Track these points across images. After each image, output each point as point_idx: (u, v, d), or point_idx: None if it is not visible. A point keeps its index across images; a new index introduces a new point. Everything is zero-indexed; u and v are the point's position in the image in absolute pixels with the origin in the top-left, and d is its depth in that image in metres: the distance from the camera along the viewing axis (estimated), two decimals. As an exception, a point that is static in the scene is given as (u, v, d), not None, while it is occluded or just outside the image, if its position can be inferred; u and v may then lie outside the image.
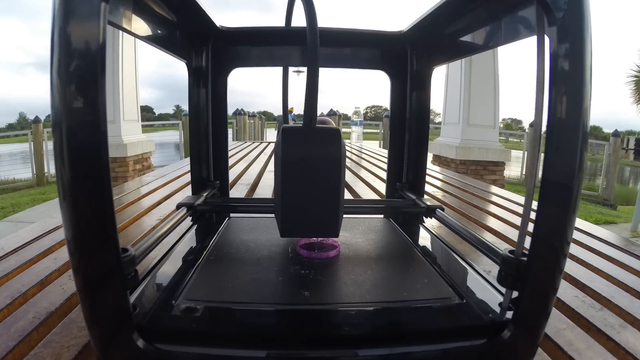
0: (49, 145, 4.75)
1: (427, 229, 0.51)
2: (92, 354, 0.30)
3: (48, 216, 0.69)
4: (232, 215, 0.53)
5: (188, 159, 0.57)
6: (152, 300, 0.30)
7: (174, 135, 6.39)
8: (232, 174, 1.34)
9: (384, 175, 1.31)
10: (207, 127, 0.53)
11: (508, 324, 0.28)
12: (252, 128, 7.68)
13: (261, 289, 0.32)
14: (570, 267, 0.53)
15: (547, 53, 0.24)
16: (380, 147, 5.41)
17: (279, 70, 0.52)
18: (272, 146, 2.66)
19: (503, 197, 1.06)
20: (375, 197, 1.01)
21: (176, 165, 1.57)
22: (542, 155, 0.26)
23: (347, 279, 0.34)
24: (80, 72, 0.20)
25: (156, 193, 0.97)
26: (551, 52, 0.24)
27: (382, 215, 0.56)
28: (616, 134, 5.12)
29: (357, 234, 0.46)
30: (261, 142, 3.18)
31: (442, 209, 0.47)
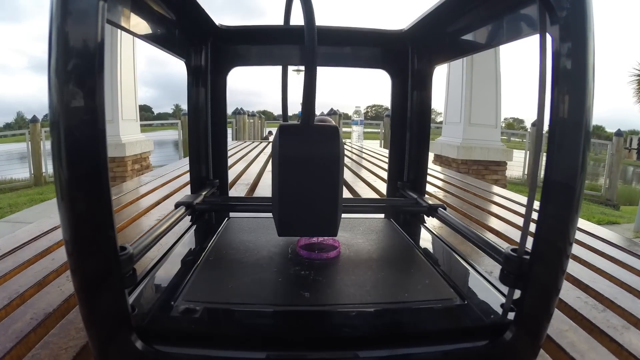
0: (46, 145, 4.74)
1: (428, 229, 0.51)
2: (91, 355, 0.30)
3: (46, 216, 0.69)
4: (231, 215, 0.53)
5: (187, 158, 0.57)
6: (151, 301, 0.30)
7: (173, 135, 6.40)
8: (232, 173, 1.34)
9: (384, 175, 1.31)
10: (206, 126, 0.53)
11: (510, 325, 0.28)
12: (251, 127, 7.68)
13: (261, 290, 0.32)
14: (572, 267, 0.53)
15: (550, 52, 0.24)
16: (381, 146, 5.41)
17: (279, 69, 0.52)
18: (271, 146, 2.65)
19: (505, 197, 1.05)
20: (376, 196, 1.01)
21: (175, 165, 1.56)
22: (544, 155, 0.26)
23: (347, 279, 0.34)
24: (79, 71, 0.20)
25: (155, 193, 0.97)
26: (553, 50, 0.24)
27: (382, 215, 0.56)
28: (619, 133, 5.10)
29: (358, 234, 0.46)
30: (261, 142, 3.18)
31: (444, 208, 0.47)
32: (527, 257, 0.26)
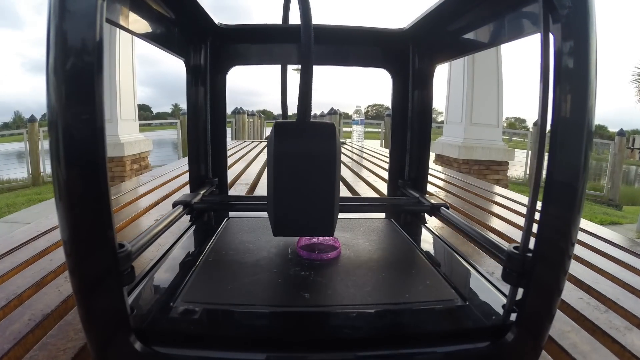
0: (44, 145, 4.72)
1: (429, 229, 0.50)
2: (89, 357, 0.30)
3: (44, 217, 0.68)
4: (231, 215, 0.52)
5: (186, 158, 0.57)
6: (150, 302, 0.30)
7: (172, 135, 6.38)
8: (231, 173, 1.34)
9: (385, 175, 1.30)
10: (205, 125, 0.53)
11: (512, 326, 0.27)
12: (251, 127, 7.66)
13: (260, 291, 0.32)
14: (574, 268, 0.53)
15: (552, 51, 0.24)
16: (381, 146, 5.40)
17: (278, 68, 0.51)
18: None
19: (506, 198, 1.05)
20: (377, 196, 1.01)
21: (174, 165, 1.56)
22: (546, 155, 0.26)
23: (347, 280, 0.34)
24: (77, 70, 0.20)
25: (154, 193, 0.97)
26: (555, 49, 0.23)
27: (383, 215, 0.56)
28: (622, 133, 5.08)
29: (358, 234, 0.46)
30: (260, 142, 3.17)
31: (447, 207, 0.47)
32: (530, 254, 0.26)
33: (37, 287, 0.42)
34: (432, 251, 0.44)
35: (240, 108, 7.02)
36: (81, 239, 0.22)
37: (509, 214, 0.86)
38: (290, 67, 0.52)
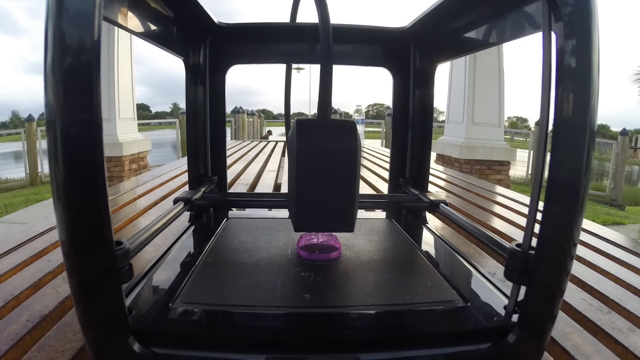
0: (42, 144, 4.69)
1: (430, 229, 0.50)
2: (87, 358, 0.30)
3: (42, 217, 0.68)
4: (230, 215, 0.52)
5: (185, 158, 0.57)
6: (149, 303, 0.30)
7: (171, 134, 6.37)
8: (231, 173, 1.34)
9: (386, 175, 1.30)
10: (204, 123, 0.53)
11: (513, 327, 0.27)
12: (250, 126, 7.65)
13: (260, 292, 0.32)
14: (577, 269, 0.52)
15: (554, 50, 0.23)
16: (382, 146, 5.39)
17: (278, 66, 0.51)
18: (271, 145, 2.64)
19: (508, 198, 1.05)
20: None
21: (173, 164, 1.55)
22: (548, 155, 0.25)
23: (348, 281, 0.34)
24: (75, 69, 0.20)
25: (153, 193, 0.97)
26: (557, 48, 0.23)
27: (384, 215, 0.56)
28: (624, 132, 5.05)
29: (359, 235, 0.45)
30: (260, 141, 3.17)
31: (446, 204, 0.46)
32: (532, 252, 0.26)
33: (35, 288, 0.42)
34: (433, 252, 0.44)
35: (240, 107, 7.01)
36: (79, 239, 0.22)
37: (511, 214, 0.85)
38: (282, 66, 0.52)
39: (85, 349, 0.25)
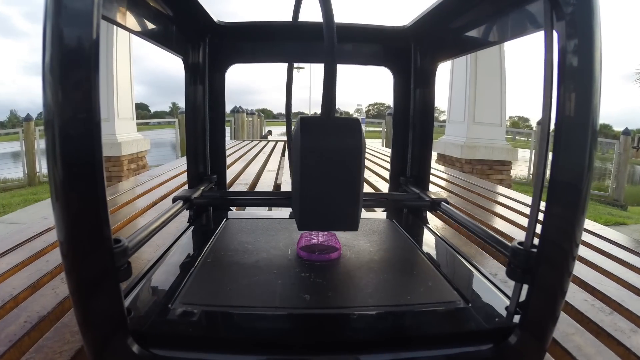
0: (41, 144, 4.65)
1: (430, 229, 0.50)
2: (86, 359, 0.30)
3: (40, 217, 0.68)
4: (230, 215, 0.52)
5: (185, 157, 0.56)
6: (148, 303, 0.30)
7: (170, 134, 6.34)
8: (230, 173, 1.34)
9: (387, 175, 1.30)
10: (204, 122, 0.53)
11: (515, 328, 0.27)
12: (250, 126, 7.63)
13: (260, 293, 0.31)
14: (579, 269, 0.52)
15: (556, 49, 0.23)
16: (382, 145, 5.38)
17: (278, 66, 0.51)
18: (271, 145, 2.64)
19: (510, 198, 1.04)
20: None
21: (172, 164, 1.55)
22: (550, 154, 0.25)
23: (348, 282, 0.34)
24: (74, 69, 0.20)
25: (152, 193, 0.97)
26: (559, 47, 0.23)
27: (385, 215, 0.55)
28: (627, 132, 5.03)
29: (359, 235, 0.45)
30: (260, 141, 3.16)
31: (448, 203, 0.46)
32: (534, 250, 0.26)
33: (33, 288, 0.42)
34: (433, 252, 0.43)
35: (240, 107, 7.00)
36: (78, 239, 0.22)
37: (512, 214, 0.85)
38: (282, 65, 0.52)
39: (84, 350, 0.25)
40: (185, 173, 0.54)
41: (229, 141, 3.25)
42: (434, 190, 0.51)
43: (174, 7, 0.39)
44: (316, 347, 0.28)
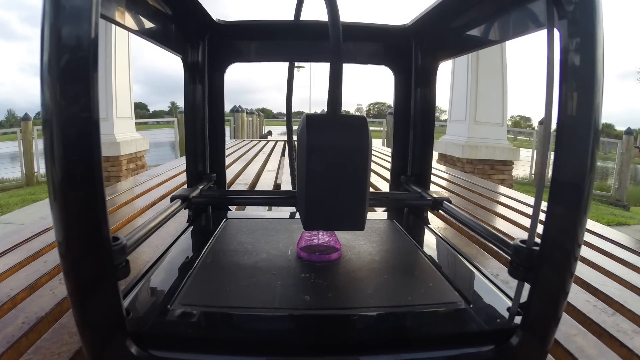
0: (39, 144, 4.64)
1: (431, 230, 0.50)
2: (85, 360, 0.30)
3: (38, 217, 0.68)
4: (229, 216, 0.52)
5: (184, 157, 0.56)
6: (147, 304, 0.30)
7: (169, 134, 6.33)
8: (230, 173, 1.33)
9: (387, 174, 1.30)
10: (203, 121, 0.52)
11: (517, 329, 0.27)
12: (250, 126, 7.61)
13: (259, 293, 0.31)
14: (581, 270, 0.52)
15: (557, 47, 0.23)
16: (383, 145, 5.38)
17: (278, 65, 0.51)
18: (271, 145, 2.64)
19: (511, 198, 1.04)
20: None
21: (171, 164, 1.55)
22: (552, 154, 0.25)
23: (349, 282, 0.33)
24: (72, 68, 0.20)
25: (151, 193, 0.96)
26: (561, 46, 0.23)
27: (385, 215, 0.55)
28: (629, 131, 5.00)
29: (359, 235, 0.45)
30: (260, 140, 3.15)
31: (450, 202, 0.46)
32: (537, 248, 0.25)
33: (31, 289, 0.42)
34: (434, 252, 0.43)
35: (239, 106, 6.98)
36: (76, 239, 0.22)
37: (514, 214, 0.85)
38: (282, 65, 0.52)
39: (82, 351, 0.25)
40: (184, 173, 0.54)
41: (228, 141, 3.24)
42: (435, 190, 0.51)
43: (173, 5, 0.39)
44: (316, 348, 0.28)
